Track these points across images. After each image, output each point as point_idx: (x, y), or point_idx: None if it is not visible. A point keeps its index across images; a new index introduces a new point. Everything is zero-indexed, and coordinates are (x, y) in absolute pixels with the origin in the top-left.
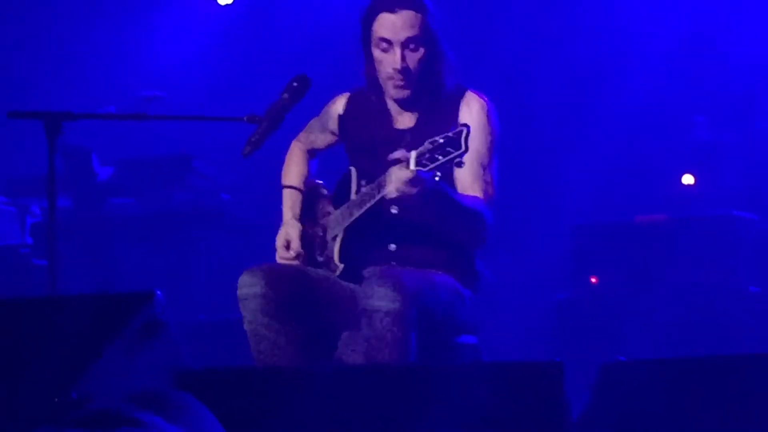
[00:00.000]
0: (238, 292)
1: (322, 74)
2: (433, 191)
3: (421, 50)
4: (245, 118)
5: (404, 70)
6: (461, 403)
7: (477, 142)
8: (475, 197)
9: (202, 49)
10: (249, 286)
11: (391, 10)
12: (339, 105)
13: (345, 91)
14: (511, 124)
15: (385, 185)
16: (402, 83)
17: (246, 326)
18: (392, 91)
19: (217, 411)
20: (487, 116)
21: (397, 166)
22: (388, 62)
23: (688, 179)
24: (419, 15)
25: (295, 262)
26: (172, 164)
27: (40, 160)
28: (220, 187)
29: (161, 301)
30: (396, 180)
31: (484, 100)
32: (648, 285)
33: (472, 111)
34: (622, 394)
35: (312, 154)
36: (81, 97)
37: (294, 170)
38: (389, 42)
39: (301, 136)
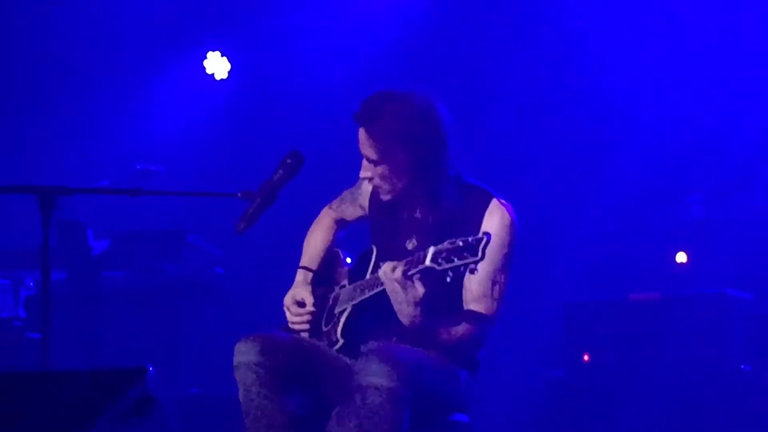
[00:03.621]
0: (234, 359)
1: (316, 150)
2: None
3: (380, 168)
4: (239, 194)
5: (372, 180)
6: None
7: (494, 257)
8: (467, 324)
9: (197, 124)
10: (244, 353)
11: (358, 125)
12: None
13: (340, 168)
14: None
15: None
16: (377, 188)
17: (240, 394)
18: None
19: None
20: (508, 232)
21: (388, 264)
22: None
23: (681, 257)
24: (368, 136)
25: (306, 325)
26: (166, 238)
27: (35, 233)
28: (214, 261)
29: (153, 377)
30: (386, 278)
31: (509, 213)
32: (640, 363)
33: (495, 223)
34: None
35: (341, 224)
36: (76, 170)
37: (316, 244)
38: None
39: (334, 203)
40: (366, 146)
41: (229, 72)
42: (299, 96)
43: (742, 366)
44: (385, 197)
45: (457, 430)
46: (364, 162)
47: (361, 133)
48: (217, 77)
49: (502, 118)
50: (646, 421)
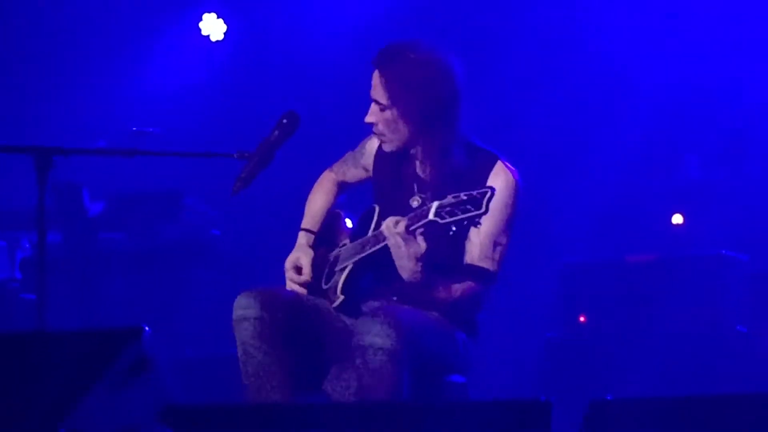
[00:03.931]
0: (234, 314)
1: (312, 111)
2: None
3: (388, 112)
4: (235, 155)
5: (375, 126)
6: None
7: (496, 219)
8: (467, 282)
9: (193, 85)
10: (244, 308)
11: (373, 68)
12: (374, 143)
13: (336, 128)
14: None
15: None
16: (379, 137)
17: (238, 348)
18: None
19: None
20: (513, 193)
21: (391, 219)
22: None
23: (677, 219)
24: (381, 77)
25: (302, 290)
26: (162, 200)
27: (31, 194)
28: (210, 222)
29: (149, 338)
30: (388, 233)
31: (513, 176)
32: (636, 324)
33: (499, 184)
34: None
35: (342, 186)
36: (72, 131)
37: (317, 206)
38: None
39: (335, 166)
40: (377, 89)
41: (224, 33)
42: (295, 57)
43: (738, 327)
44: (387, 147)
45: (454, 390)
46: (372, 107)
47: (375, 75)
48: (213, 39)
49: (502, 81)
50: (642, 382)
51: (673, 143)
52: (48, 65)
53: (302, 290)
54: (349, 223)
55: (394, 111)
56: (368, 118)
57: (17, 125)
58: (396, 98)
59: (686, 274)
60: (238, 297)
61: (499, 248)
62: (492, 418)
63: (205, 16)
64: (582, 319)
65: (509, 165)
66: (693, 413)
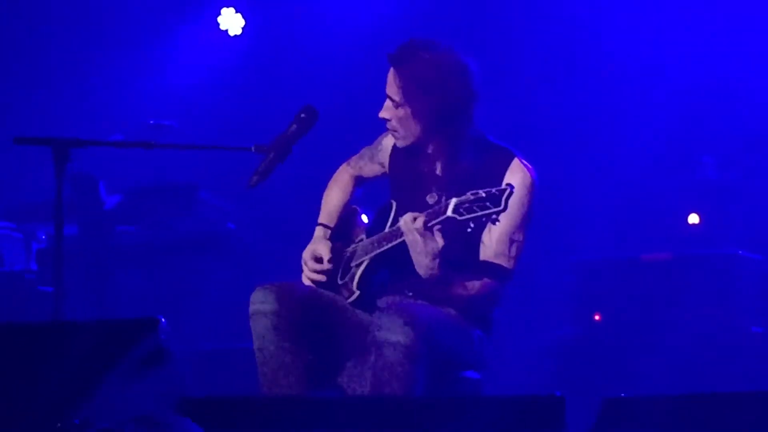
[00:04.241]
0: (250, 308)
1: (330, 105)
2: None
3: (401, 110)
4: (253, 148)
5: (388, 122)
6: None
7: (513, 216)
8: (483, 279)
9: (211, 79)
10: (261, 302)
11: (390, 63)
12: (391, 138)
13: (354, 122)
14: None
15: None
16: (393, 132)
17: (254, 342)
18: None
19: None
20: (529, 191)
21: (409, 214)
22: None
23: (693, 218)
24: (396, 74)
25: (322, 278)
26: (178, 193)
27: (48, 186)
28: (226, 216)
29: (165, 329)
30: (406, 228)
31: (530, 174)
32: (651, 322)
33: (515, 181)
34: (624, 430)
35: (358, 181)
36: (89, 124)
37: (333, 201)
38: None
39: (352, 160)
40: (392, 86)
41: (243, 28)
42: (313, 52)
43: (753, 327)
44: (400, 143)
45: (468, 386)
46: (387, 102)
47: (391, 72)
48: (231, 33)
49: (519, 79)
50: (656, 380)
51: (690, 143)
52: (67, 58)
53: (321, 278)
54: (365, 219)
55: (407, 109)
56: (383, 114)
57: (35, 118)
58: (409, 97)
59: (701, 273)
60: (255, 291)
61: (515, 245)
62: (506, 413)
63: (224, 10)
64: (597, 317)
65: (526, 162)
66: (706, 411)
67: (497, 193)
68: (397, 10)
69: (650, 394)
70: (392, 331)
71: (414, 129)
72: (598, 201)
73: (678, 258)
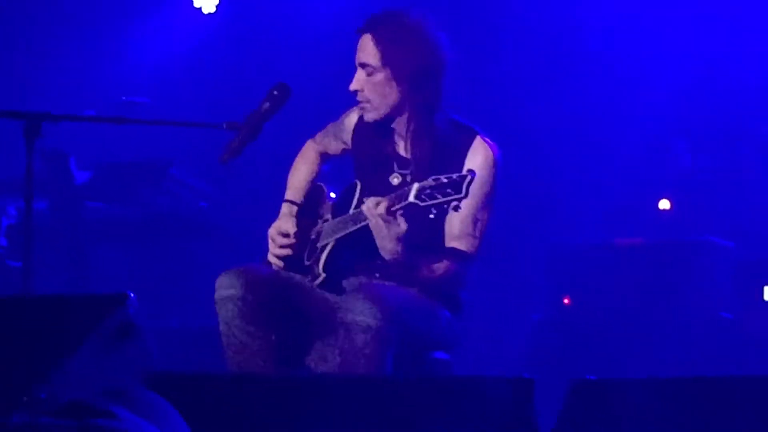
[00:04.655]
0: (216, 293)
1: (302, 83)
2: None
3: (378, 75)
4: (224, 125)
5: (359, 93)
6: (432, 416)
7: (476, 195)
8: (447, 262)
9: (184, 56)
10: (227, 287)
11: (360, 34)
12: (353, 117)
13: (327, 100)
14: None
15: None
16: (362, 105)
17: (221, 327)
18: (362, 113)
19: (185, 415)
20: (492, 169)
21: (371, 200)
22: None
23: (664, 204)
24: (372, 38)
25: (288, 252)
26: (149, 169)
27: (18, 161)
28: (197, 194)
29: (134, 304)
30: (369, 214)
31: (492, 151)
32: (621, 307)
33: (478, 160)
34: (591, 413)
35: (324, 157)
36: (61, 100)
37: (300, 177)
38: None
39: (318, 137)
40: (367, 51)
41: (217, 6)
42: (287, 29)
43: (723, 313)
44: (371, 115)
45: (438, 367)
46: (358, 73)
47: (364, 39)
48: (205, 11)
49: (498, 67)
50: (626, 364)
51: (663, 129)
52: (37, 33)
53: (288, 252)
54: (332, 195)
55: (387, 72)
56: (354, 85)
57: (6, 92)
58: (389, 58)
59: (672, 259)
60: (220, 276)
61: (479, 224)
62: (475, 393)
63: None
64: (566, 301)
65: (488, 140)
66: (674, 395)
67: (458, 179)
68: None
69: (619, 377)
70: (360, 313)
71: (390, 96)
72: (569, 185)
73: (650, 244)
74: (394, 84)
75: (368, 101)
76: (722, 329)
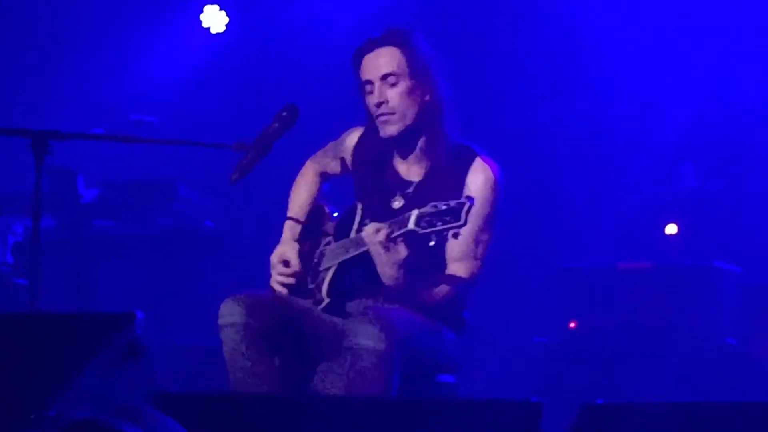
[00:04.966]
0: (219, 320)
1: (312, 104)
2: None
3: (403, 84)
4: (233, 145)
5: (383, 104)
6: None
7: (477, 216)
8: (449, 285)
9: (193, 76)
10: (230, 314)
11: (371, 50)
12: (353, 137)
13: (336, 121)
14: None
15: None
16: (385, 118)
17: (225, 354)
18: (380, 128)
19: None
20: (492, 190)
21: (371, 226)
22: (372, 101)
23: (671, 228)
24: (397, 49)
25: (291, 280)
26: (157, 188)
27: (25, 178)
28: (204, 213)
29: (142, 323)
30: (369, 240)
31: (493, 171)
32: (627, 331)
33: (478, 182)
34: None
35: (324, 176)
36: (69, 118)
37: (301, 196)
38: (371, 82)
39: (317, 156)
40: (389, 63)
41: (226, 25)
42: (296, 50)
43: (728, 339)
44: (393, 128)
45: (444, 390)
46: (378, 87)
47: (383, 53)
48: (214, 31)
49: (505, 87)
50: (632, 390)
51: (671, 153)
52: (48, 51)
53: (290, 280)
54: (335, 215)
55: (412, 81)
56: (378, 98)
57: (15, 110)
58: (415, 68)
59: (679, 283)
60: (224, 302)
61: (481, 246)
62: (482, 417)
63: (207, 8)
64: (572, 324)
65: (488, 159)
66: (679, 419)
67: (457, 206)
68: (381, 9)
69: (626, 402)
70: (366, 337)
71: (413, 107)
72: (576, 209)
73: (655, 268)
74: (418, 93)
75: (393, 112)
76: (728, 355)
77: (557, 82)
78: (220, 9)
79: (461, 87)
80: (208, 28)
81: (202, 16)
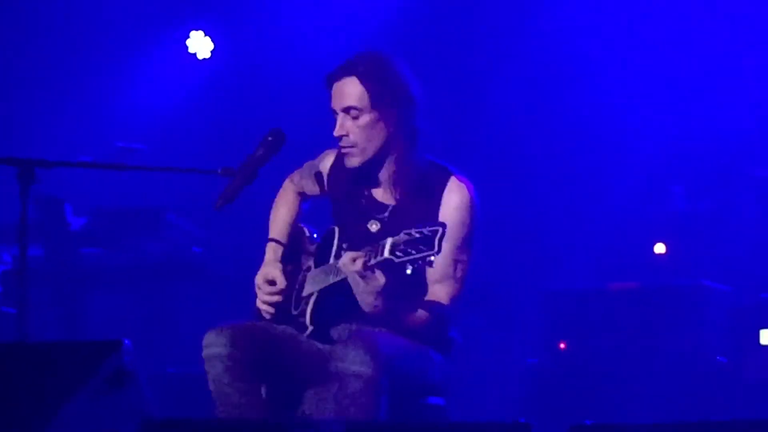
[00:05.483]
0: (204, 351)
1: (297, 129)
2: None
3: (366, 117)
4: (219, 171)
5: (344, 138)
6: None
7: (454, 237)
8: (430, 311)
9: (179, 102)
10: (214, 345)
11: (338, 78)
12: (329, 160)
13: (321, 147)
14: (486, 191)
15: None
16: (346, 150)
17: (210, 385)
18: (345, 159)
19: None
20: (469, 210)
21: (348, 255)
22: (335, 132)
23: (660, 248)
24: (359, 81)
25: (278, 298)
26: (144, 216)
27: (12, 208)
28: (192, 240)
29: (129, 350)
30: (346, 270)
31: (468, 190)
32: (617, 352)
33: (453, 202)
34: None
35: (303, 197)
36: (55, 146)
37: (281, 216)
38: (335, 111)
39: (295, 176)
40: (352, 94)
41: (212, 51)
42: (281, 76)
43: (718, 357)
44: (354, 161)
45: (432, 412)
46: (341, 119)
47: (347, 83)
48: (200, 57)
49: (493, 109)
50: (622, 410)
51: (658, 173)
52: (34, 79)
53: (278, 299)
54: (314, 236)
55: (374, 114)
56: (338, 131)
57: (0, 139)
58: (377, 99)
59: (668, 303)
60: (207, 333)
61: (459, 266)
62: None
63: (193, 33)
64: (562, 346)
65: (463, 178)
66: None
67: (430, 234)
68: (366, 35)
69: (616, 422)
70: (354, 362)
71: (376, 139)
72: (565, 230)
73: (644, 288)
74: (381, 126)
75: (354, 146)
76: (718, 373)
77: (546, 102)
78: (205, 35)
79: (445, 108)
80: (195, 54)
81: (188, 42)
